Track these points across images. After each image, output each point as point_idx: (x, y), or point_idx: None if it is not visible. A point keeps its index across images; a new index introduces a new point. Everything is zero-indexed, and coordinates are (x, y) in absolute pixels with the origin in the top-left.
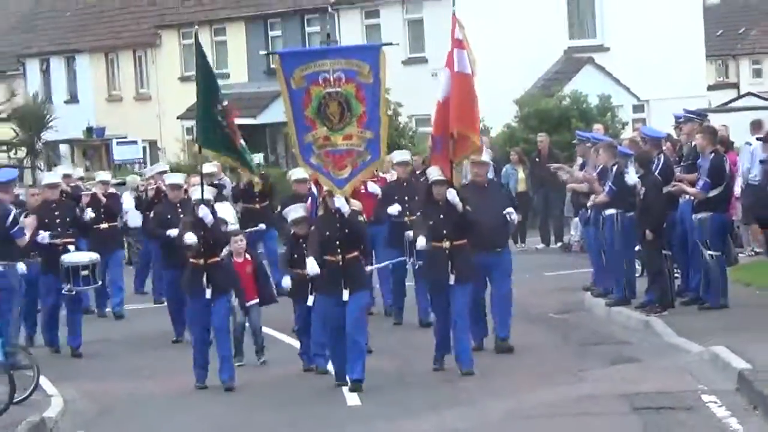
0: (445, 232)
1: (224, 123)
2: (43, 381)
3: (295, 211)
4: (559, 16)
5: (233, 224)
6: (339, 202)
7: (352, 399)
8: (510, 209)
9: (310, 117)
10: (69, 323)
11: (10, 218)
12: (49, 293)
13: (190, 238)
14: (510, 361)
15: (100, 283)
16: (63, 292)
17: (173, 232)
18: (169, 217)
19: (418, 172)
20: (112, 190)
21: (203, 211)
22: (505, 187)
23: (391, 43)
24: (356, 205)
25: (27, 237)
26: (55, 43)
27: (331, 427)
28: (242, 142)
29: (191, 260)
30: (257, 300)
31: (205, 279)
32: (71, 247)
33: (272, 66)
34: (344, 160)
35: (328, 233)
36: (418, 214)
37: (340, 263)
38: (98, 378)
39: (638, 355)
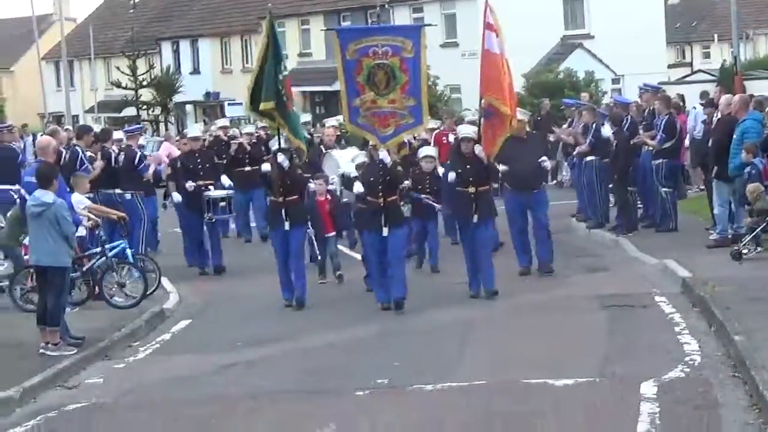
0: (471, 179)
1: (283, 91)
2: (165, 281)
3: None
4: (557, 12)
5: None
6: (382, 154)
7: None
8: (544, 157)
9: (360, 83)
10: (212, 247)
11: (137, 158)
12: (192, 227)
13: (264, 167)
14: (514, 268)
15: (234, 213)
16: (205, 220)
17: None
18: None
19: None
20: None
21: (281, 158)
22: (544, 138)
23: (430, 24)
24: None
25: (151, 171)
26: (183, 29)
27: (363, 321)
28: (294, 109)
29: (272, 199)
30: (333, 233)
31: (283, 214)
32: (211, 188)
33: None
34: (388, 120)
35: (372, 179)
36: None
37: (381, 204)
38: (207, 280)
39: (609, 265)
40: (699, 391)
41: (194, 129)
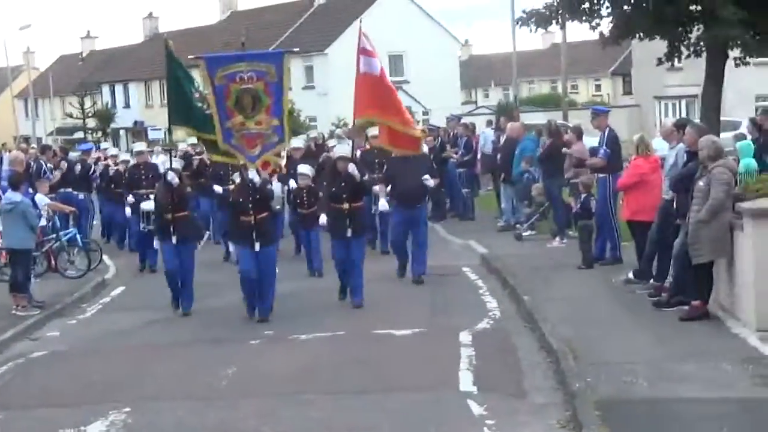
0: (344, 196)
1: (204, 106)
2: (105, 258)
3: (301, 168)
4: (384, 63)
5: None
6: (251, 173)
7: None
8: (427, 176)
9: (230, 107)
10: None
11: (92, 169)
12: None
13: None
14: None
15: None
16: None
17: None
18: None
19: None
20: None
21: (170, 176)
22: (428, 159)
23: (291, 51)
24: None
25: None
26: (118, 76)
27: (321, 310)
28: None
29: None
30: None
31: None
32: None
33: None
34: (255, 141)
35: (241, 199)
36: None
37: (252, 222)
38: (136, 257)
39: (428, 245)
40: (501, 338)
41: (139, 145)
